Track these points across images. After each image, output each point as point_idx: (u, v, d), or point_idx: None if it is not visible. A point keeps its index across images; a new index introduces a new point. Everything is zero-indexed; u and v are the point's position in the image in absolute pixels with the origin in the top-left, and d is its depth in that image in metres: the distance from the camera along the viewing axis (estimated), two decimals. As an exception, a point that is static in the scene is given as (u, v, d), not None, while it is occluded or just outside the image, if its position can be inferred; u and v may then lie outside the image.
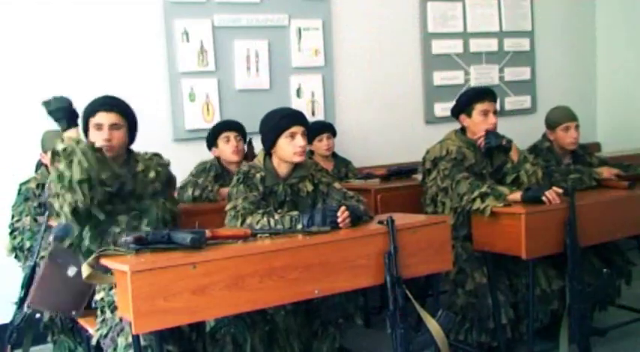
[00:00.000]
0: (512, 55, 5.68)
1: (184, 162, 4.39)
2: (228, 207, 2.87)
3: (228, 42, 4.52)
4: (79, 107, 4.10)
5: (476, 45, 5.49)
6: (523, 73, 5.76)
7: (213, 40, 4.47)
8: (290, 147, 2.88)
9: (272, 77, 4.64)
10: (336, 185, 3.05)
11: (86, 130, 2.79)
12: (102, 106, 2.81)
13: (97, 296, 2.69)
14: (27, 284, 3.08)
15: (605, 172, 3.73)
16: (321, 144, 4.35)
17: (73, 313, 2.85)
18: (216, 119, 4.46)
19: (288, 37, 4.71)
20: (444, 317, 2.59)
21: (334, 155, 4.48)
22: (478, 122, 3.46)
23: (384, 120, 5.13)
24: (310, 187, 2.99)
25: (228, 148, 3.81)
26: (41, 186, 3.51)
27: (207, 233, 2.41)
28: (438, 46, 5.34)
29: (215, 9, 4.47)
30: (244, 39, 4.57)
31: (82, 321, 2.94)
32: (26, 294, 3.04)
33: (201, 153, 4.47)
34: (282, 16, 4.69)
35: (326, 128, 4.41)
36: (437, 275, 2.90)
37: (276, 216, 2.72)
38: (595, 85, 6.13)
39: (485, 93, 3.52)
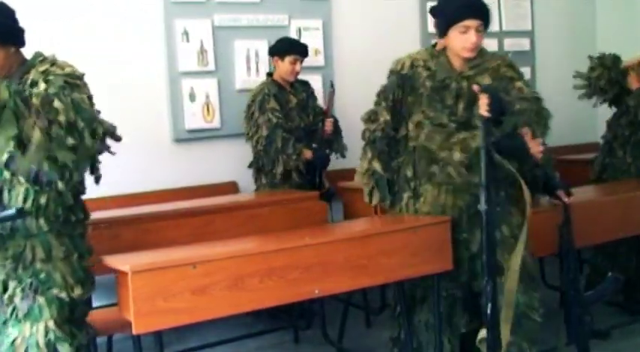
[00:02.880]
0: (512, 54, 5.66)
1: (184, 162, 4.41)
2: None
3: (229, 42, 4.52)
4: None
5: (476, 45, 5.49)
6: (523, 72, 5.75)
7: (214, 40, 4.46)
8: (459, 41, 2.69)
9: (272, 77, 4.64)
10: (518, 83, 2.79)
11: None
12: None
13: None
14: None
15: None
16: None
17: None
18: (217, 119, 4.48)
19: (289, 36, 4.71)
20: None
21: None
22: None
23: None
24: (489, 81, 2.74)
25: (291, 69, 4.12)
26: None
27: None
28: (438, 46, 5.32)
29: (215, 9, 4.47)
30: (244, 39, 4.57)
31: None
32: None
33: (201, 154, 4.49)
34: (282, 16, 4.69)
35: None
36: (437, 275, 2.89)
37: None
38: (595, 85, 6.12)
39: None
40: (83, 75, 2.33)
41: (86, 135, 2.17)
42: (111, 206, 3.72)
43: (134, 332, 2.18)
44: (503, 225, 2.77)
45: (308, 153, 4.02)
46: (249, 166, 4.21)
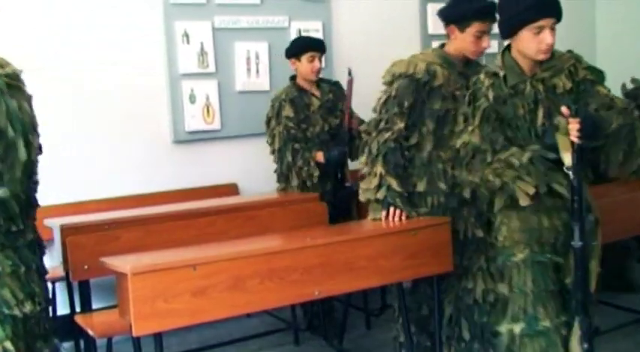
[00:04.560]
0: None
1: (185, 163, 4.42)
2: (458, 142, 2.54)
3: (229, 43, 4.52)
4: (79, 107, 4.14)
5: (476, 46, 5.49)
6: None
7: (214, 42, 4.46)
8: (533, 43, 2.41)
9: (272, 79, 4.63)
10: (601, 89, 2.48)
11: None
12: None
13: None
14: None
15: None
16: None
17: None
18: (217, 121, 4.47)
19: (289, 38, 4.69)
20: None
21: None
22: (469, 41, 2.87)
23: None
24: (568, 84, 2.47)
25: (310, 67, 3.93)
26: None
27: None
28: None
29: (215, 10, 4.47)
30: (245, 40, 4.57)
31: (80, 320, 2.95)
32: None
33: (201, 155, 4.49)
34: (283, 17, 4.69)
35: None
36: (437, 276, 2.89)
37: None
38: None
39: (488, 12, 2.78)
40: (21, 71, 2.24)
41: (19, 145, 2.09)
42: (111, 207, 3.73)
43: (134, 334, 2.17)
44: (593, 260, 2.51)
45: (319, 156, 3.83)
46: (275, 171, 4.02)
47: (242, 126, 4.51)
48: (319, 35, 4.81)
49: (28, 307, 2.17)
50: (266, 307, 2.48)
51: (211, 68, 4.47)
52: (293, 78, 4.06)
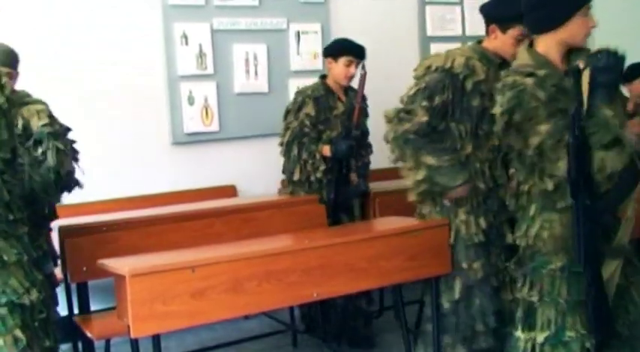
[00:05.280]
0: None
1: (183, 165, 4.41)
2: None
3: (227, 45, 4.52)
4: (79, 108, 4.13)
5: (475, 48, 5.50)
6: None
7: (212, 44, 4.46)
8: (584, 27, 2.33)
9: (271, 81, 4.64)
10: None
11: None
12: None
13: None
14: None
15: None
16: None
17: None
18: (215, 123, 4.47)
19: (287, 40, 4.71)
20: None
21: None
22: (509, 43, 2.73)
23: (384, 125, 5.10)
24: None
25: (344, 72, 3.80)
26: None
27: None
28: (437, 50, 5.30)
29: (214, 12, 4.47)
30: (243, 42, 4.57)
31: (78, 322, 2.94)
32: None
33: (200, 157, 4.48)
34: (281, 19, 4.69)
35: None
36: (436, 278, 2.89)
37: None
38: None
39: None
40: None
41: None
42: (109, 209, 3.72)
43: (132, 335, 2.17)
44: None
45: (326, 150, 3.69)
46: (284, 173, 3.89)
47: (240, 127, 4.51)
48: (318, 37, 4.82)
49: (34, 295, 2.18)
50: (264, 309, 2.48)
51: (210, 70, 4.47)
52: (323, 77, 3.92)
